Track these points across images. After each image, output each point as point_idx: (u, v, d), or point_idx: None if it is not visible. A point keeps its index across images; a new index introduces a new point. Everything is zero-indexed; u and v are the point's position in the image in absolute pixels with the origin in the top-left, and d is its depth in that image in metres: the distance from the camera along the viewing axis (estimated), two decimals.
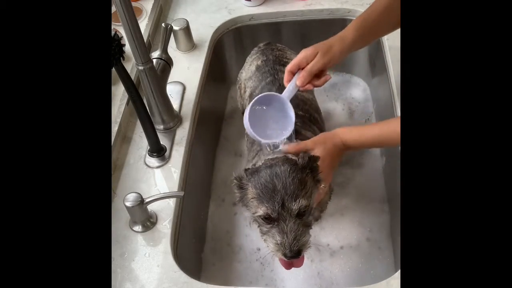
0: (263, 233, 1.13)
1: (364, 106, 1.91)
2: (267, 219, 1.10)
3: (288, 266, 1.17)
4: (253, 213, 1.12)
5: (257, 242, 1.53)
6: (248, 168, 1.17)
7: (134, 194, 1.17)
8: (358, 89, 1.97)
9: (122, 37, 1.11)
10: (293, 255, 1.08)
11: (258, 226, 1.14)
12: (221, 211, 1.65)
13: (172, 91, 1.54)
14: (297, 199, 1.08)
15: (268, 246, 1.12)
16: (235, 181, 1.15)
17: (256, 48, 1.64)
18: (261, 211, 1.09)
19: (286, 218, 1.08)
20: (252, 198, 1.11)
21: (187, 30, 1.66)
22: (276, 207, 1.07)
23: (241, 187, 1.15)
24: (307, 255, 1.33)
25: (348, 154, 1.47)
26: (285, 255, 1.08)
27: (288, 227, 1.08)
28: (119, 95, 1.46)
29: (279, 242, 1.08)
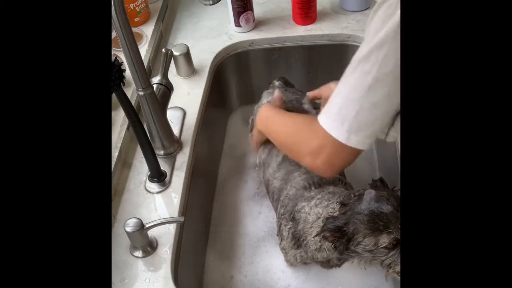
0: (387, 265, 1.12)
1: None
2: (394, 244, 1.08)
3: None
4: (375, 247, 1.10)
5: (257, 266, 1.53)
6: (329, 218, 1.16)
7: (134, 220, 1.17)
8: None
9: (122, 62, 1.11)
10: None
11: (382, 263, 1.13)
12: (221, 233, 1.65)
13: (172, 116, 1.54)
14: None
15: (396, 271, 1.12)
16: (330, 237, 1.13)
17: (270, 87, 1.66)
18: (385, 240, 1.08)
19: None
20: (366, 235, 1.10)
21: (187, 55, 1.66)
22: (397, 227, 1.06)
23: (342, 233, 1.12)
24: None
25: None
26: None
27: None
28: (120, 121, 1.46)
29: None
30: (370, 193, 1.13)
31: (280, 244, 1.38)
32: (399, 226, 1.06)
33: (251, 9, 1.80)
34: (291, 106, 1.52)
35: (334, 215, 1.16)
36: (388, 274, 1.15)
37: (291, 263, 1.44)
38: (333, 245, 1.15)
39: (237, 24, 1.82)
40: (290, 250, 1.33)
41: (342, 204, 1.16)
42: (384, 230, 1.07)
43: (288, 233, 1.31)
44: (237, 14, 1.79)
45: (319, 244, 1.20)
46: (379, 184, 1.19)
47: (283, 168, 1.41)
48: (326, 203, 1.21)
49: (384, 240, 1.08)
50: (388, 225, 1.07)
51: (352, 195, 1.17)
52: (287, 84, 1.65)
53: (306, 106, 1.52)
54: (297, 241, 1.28)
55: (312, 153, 1.08)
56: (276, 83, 1.64)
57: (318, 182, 1.31)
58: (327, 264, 1.29)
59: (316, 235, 1.18)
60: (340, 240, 1.13)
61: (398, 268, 1.11)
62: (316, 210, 1.22)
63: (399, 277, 1.14)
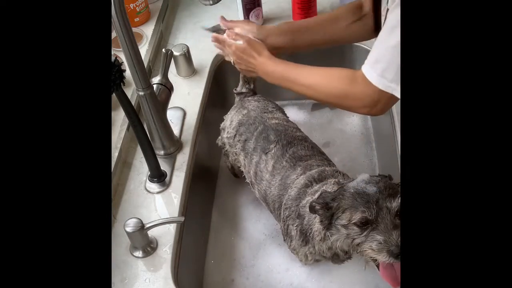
0: (357, 244, 1.13)
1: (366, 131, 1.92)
2: (363, 223, 1.10)
3: (395, 280, 1.14)
4: (348, 222, 1.12)
5: (259, 268, 1.53)
6: (324, 192, 1.19)
7: (134, 220, 1.17)
8: (358, 115, 1.97)
9: (122, 62, 1.11)
10: (399, 252, 1.06)
11: (352, 241, 1.14)
12: (221, 235, 1.64)
13: (172, 116, 1.54)
14: (395, 197, 1.09)
15: (365, 254, 1.13)
16: (317, 205, 1.16)
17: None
18: (357, 216, 1.10)
19: (385, 217, 1.08)
20: (345, 210, 1.12)
21: (187, 55, 1.66)
22: (373, 207, 1.09)
23: (328, 207, 1.15)
24: None
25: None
26: (391, 252, 1.07)
27: (390, 225, 1.08)
28: (120, 121, 1.46)
29: (382, 240, 1.08)
30: (364, 176, 1.17)
31: (290, 246, 1.38)
32: (374, 208, 1.09)
33: (260, 5, 1.81)
34: (254, 116, 1.52)
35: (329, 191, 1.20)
36: (363, 258, 1.16)
37: (304, 263, 1.44)
38: (320, 219, 1.18)
39: None
40: (300, 249, 1.33)
41: (338, 184, 1.22)
42: (359, 207, 1.10)
43: (297, 231, 1.31)
44: (247, 11, 1.79)
45: (323, 232, 1.21)
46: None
47: (277, 174, 1.40)
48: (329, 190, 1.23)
49: (356, 216, 1.10)
50: (364, 204, 1.10)
51: (351, 179, 1.21)
52: (253, 92, 1.64)
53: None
54: (305, 237, 1.29)
55: (367, 107, 1.18)
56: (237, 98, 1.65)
57: (318, 178, 1.32)
58: (337, 258, 1.30)
59: (310, 208, 1.19)
60: (325, 213, 1.16)
61: (366, 252, 1.12)
62: None
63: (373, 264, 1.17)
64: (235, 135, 1.53)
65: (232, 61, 1.44)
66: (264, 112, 1.52)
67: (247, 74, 1.47)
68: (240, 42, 1.38)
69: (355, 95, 1.17)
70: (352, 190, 1.13)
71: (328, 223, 1.17)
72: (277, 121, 1.50)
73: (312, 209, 1.18)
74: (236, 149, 1.53)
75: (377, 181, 1.14)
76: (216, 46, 1.49)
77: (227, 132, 1.57)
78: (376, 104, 1.15)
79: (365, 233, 1.11)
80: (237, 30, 1.42)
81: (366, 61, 1.13)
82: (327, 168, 1.35)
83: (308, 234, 1.27)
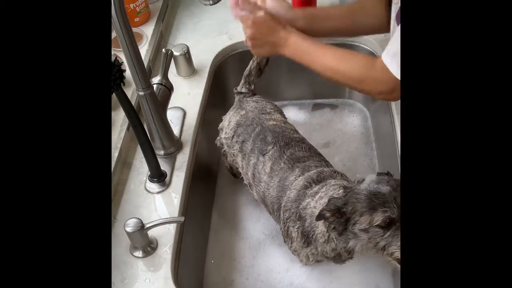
0: (382, 247, 1.12)
1: (365, 131, 1.92)
2: (387, 223, 1.09)
3: None
4: (369, 226, 1.11)
5: (259, 268, 1.53)
6: (332, 198, 1.17)
7: (134, 220, 1.17)
8: (358, 115, 1.97)
9: (122, 62, 1.11)
10: None
11: (376, 245, 1.13)
12: (221, 235, 1.64)
13: (172, 116, 1.54)
14: None
15: (393, 255, 1.11)
16: (330, 216, 1.14)
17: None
18: (379, 217, 1.08)
19: None
20: (363, 213, 1.11)
21: (187, 55, 1.66)
22: (393, 206, 1.07)
23: (341, 213, 1.13)
24: None
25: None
26: None
27: None
28: (120, 121, 1.46)
29: None
30: (371, 177, 1.16)
31: (290, 247, 1.38)
32: (395, 206, 1.07)
33: None
34: (252, 117, 1.51)
35: (336, 196, 1.18)
36: (386, 259, 1.15)
37: (305, 263, 1.44)
38: (332, 226, 1.16)
39: None
40: (302, 250, 1.33)
41: (345, 188, 1.20)
42: (379, 208, 1.09)
43: (298, 233, 1.31)
44: None
45: (327, 235, 1.21)
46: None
47: (275, 176, 1.40)
48: (331, 193, 1.22)
49: (378, 217, 1.09)
50: (383, 204, 1.08)
51: (356, 181, 1.21)
52: (252, 94, 1.64)
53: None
54: (307, 238, 1.29)
55: (384, 93, 1.20)
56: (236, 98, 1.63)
57: (317, 179, 1.32)
58: (339, 258, 1.30)
59: (318, 216, 1.18)
60: (338, 220, 1.14)
61: (396, 253, 1.10)
62: (322, 201, 1.23)
63: (398, 266, 1.14)
64: (233, 136, 1.53)
65: (245, 40, 1.40)
66: (262, 113, 1.52)
67: (259, 53, 1.42)
68: (260, 14, 1.32)
69: (373, 80, 1.19)
70: (366, 192, 1.12)
71: (343, 229, 1.15)
72: (274, 123, 1.49)
73: (322, 218, 1.16)
74: (234, 150, 1.53)
75: (388, 180, 1.13)
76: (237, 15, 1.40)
77: (225, 132, 1.57)
78: (393, 91, 1.16)
79: (388, 233, 1.09)
80: (269, 3, 1.36)
81: (386, 50, 1.14)
82: (325, 169, 1.35)
83: (310, 236, 1.27)
